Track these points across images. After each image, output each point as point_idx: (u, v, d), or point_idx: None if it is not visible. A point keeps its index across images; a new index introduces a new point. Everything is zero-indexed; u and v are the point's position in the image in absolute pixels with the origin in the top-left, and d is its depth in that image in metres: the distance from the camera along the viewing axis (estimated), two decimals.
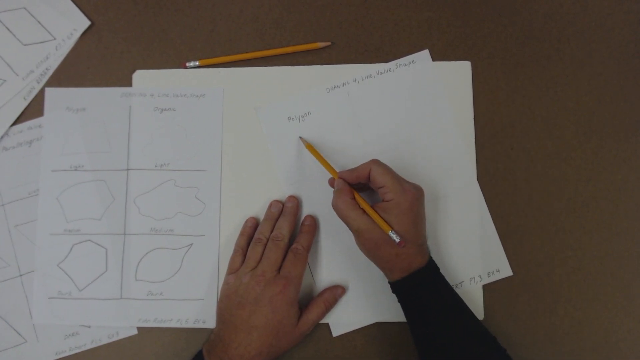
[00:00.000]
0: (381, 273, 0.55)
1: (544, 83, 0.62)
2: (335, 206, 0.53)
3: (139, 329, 0.59)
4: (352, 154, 0.60)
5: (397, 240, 0.50)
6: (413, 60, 0.62)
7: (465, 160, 0.60)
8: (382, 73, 0.61)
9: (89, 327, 0.59)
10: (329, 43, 0.62)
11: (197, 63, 0.62)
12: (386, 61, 0.62)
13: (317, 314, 0.56)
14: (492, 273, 0.59)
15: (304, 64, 0.62)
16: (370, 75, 0.61)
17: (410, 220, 0.51)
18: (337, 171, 0.56)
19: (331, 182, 0.57)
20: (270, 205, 0.59)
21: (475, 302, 0.59)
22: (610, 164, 0.61)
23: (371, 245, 0.52)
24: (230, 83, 0.62)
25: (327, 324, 0.59)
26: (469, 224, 0.60)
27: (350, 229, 0.52)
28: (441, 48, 0.62)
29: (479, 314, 0.58)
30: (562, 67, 0.62)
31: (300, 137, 0.60)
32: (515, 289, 0.59)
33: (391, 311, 0.58)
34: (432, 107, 0.61)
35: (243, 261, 0.57)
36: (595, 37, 0.62)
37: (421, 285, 0.52)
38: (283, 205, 0.59)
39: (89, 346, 0.59)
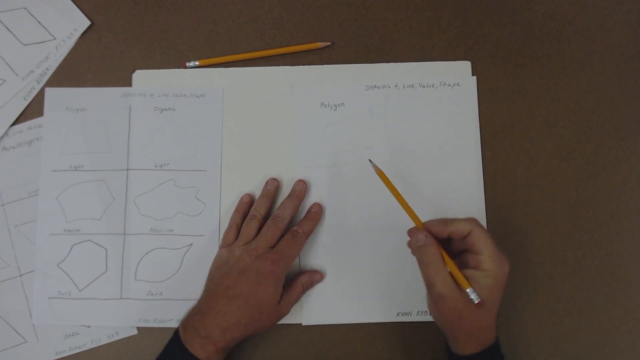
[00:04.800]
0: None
1: (544, 83, 0.62)
2: (422, 263, 0.48)
3: (139, 329, 0.59)
4: (371, 155, 0.60)
5: (477, 300, 0.46)
6: (458, 83, 0.61)
7: (473, 190, 0.60)
8: (424, 87, 0.61)
9: (89, 327, 0.59)
10: (329, 43, 0.62)
11: (197, 63, 0.62)
12: (387, 61, 0.62)
13: (296, 295, 0.56)
14: None
15: (304, 64, 0.62)
16: (412, 85, 0.61)
17: (500, 294, 0.47)
18: (414, 212, 0.50)
19: (413, 232, 0.51)
20: (267, 183, 0.59)
21: None
22: (610, 164, 0.61)
23: (453, 315, 0.47)
24: (230, 83, 0.62)
25: (328, 325, 0.59)
26: None
27: (432, 292, 0.47)
28: (441, 48, 0.62)
29: None
30: (562, 67, 0.62)
31: (370, 160, 0.55)
32: (515, 289, 0.59)
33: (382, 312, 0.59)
34: (462, 130, 0.61)
35: (237, 237, 0.57)
36: (595, 37, 0.62)
37: None
38: (278, 183, 0.59)
39: (89, 346, 0.59)
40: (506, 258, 0.47)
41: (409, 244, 0.51)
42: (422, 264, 0.48)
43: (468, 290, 0.46)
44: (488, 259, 0.46)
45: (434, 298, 0.47)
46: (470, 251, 0.48)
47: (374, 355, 0.59)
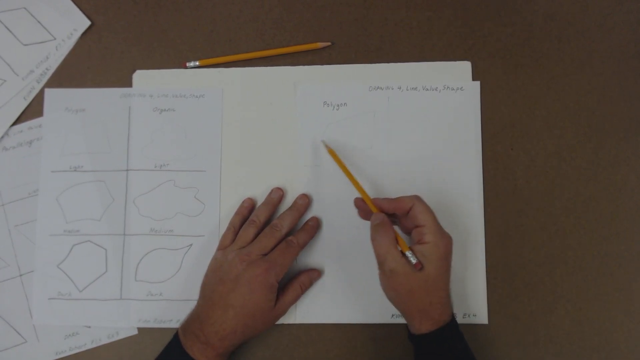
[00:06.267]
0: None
1: (544, 83, 0.62)
2: (375, 241, 0.51)
3: (139, 329, 0.59)
4: (371, 154, 0.60)
5: (414, 261, 0.49)
6: (461, 87, 0.61)
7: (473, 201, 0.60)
8: (427, 90, 0.61)
9: (89, 327, 0.59)
10: (329, 43, 0.62)
11: (197, 63, 0.62)
12: (387, 62, 0.62)
13: (294, 296, 0.56)
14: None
15: (304, 64, 0.62)
16: (415, 88, 0.61)
17: (445, 266, 0.50)
18: (363, 189, 0.54)
19: (358, 203, 0.57)
20: (272, 192, 0.59)
21: (479, 305, 0.59)
22: (610, 164, 0.61)
23: (404, 291, 0.50)
24: (230, 83, 0.62)
25: (327, 324, 0.59)
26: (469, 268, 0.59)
27: (384, 268, 0.50)
28: (441, 48, 0.62)
29: (483, 316, 0.59)
30: (562, 67, 0.62)
31: (322, 141, 0.60)
32: (515, 289, 0.59)
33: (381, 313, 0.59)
34: (463, 134, 0.60)
35: (234, 240, 0.57)
36: (595, 37, 0.62)
37: (449, 339, 0.50)
38: (283, 193, 0.60)
39: (89, 346, 0.59)
40: (445, 232, 0.51)
41: (362, 215, 0.57)
42: (376, 242, 0.51)
43: (407, 252, 0.49)
44: (429, 231, 0.50)
45: (386, 273, 0.50)
46: (414, 225, 0.51)
47: (372, 356, 0.59)
